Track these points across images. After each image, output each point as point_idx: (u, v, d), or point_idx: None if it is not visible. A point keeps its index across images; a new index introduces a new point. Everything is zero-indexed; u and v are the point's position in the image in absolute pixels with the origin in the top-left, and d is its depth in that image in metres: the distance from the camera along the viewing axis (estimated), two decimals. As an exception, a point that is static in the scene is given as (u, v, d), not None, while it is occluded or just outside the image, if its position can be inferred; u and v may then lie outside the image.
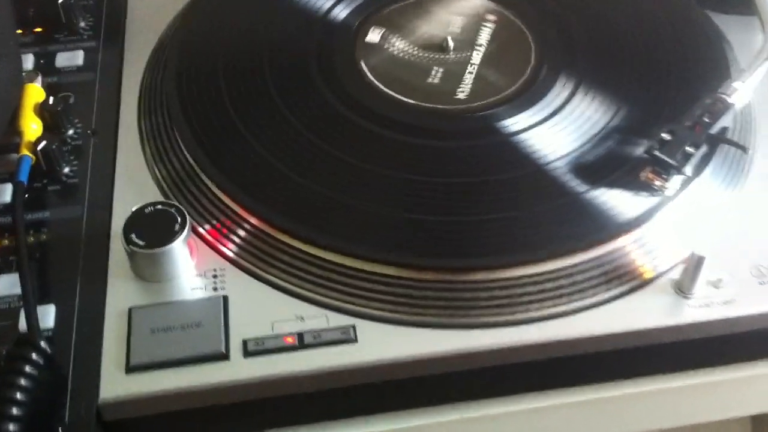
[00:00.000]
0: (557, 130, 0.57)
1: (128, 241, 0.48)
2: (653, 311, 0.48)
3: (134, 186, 0.55)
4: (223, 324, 0.47)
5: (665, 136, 0.51)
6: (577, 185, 0.53)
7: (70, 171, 0.56)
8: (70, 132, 0.58)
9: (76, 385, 0.45)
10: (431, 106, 0.59)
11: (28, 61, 0.62)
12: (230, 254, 0.51)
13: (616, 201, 0.52)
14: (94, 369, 0.46)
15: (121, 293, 0.49)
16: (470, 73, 0.61)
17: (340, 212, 0.52)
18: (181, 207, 0.50)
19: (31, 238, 0.52)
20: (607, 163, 0.54)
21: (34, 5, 0.65)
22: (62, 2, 0.65)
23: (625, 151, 0.54)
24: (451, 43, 0.63)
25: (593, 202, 0.52)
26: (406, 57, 0.63)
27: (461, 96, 0.60)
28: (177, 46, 0.63)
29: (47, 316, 0.48)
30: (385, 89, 0.60)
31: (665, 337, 0.49)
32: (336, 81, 0.61)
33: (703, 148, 0.53)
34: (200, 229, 0.52)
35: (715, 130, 0.53)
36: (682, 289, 0.48)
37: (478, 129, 0.58)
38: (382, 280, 0.49)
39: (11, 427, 0.42)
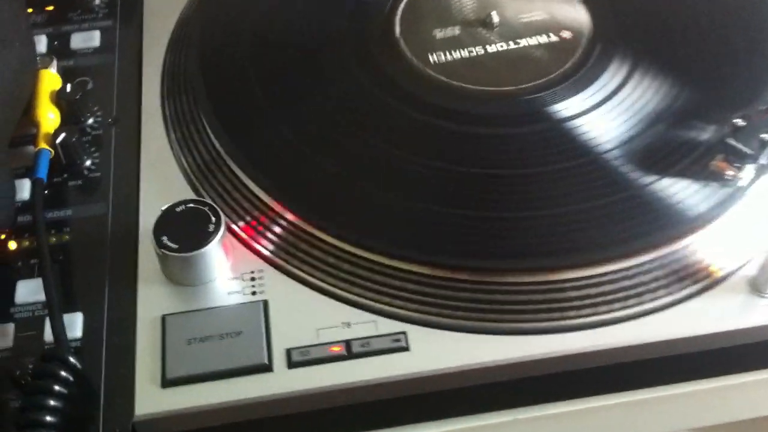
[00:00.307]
0: (613, 115, 0.52)
1: (160, 244, 0.45)
2: (727, 312, 0.45)
3: (160, 178, 0.51)
4: (264, 332, 0.44)
5: (738, 121, 0.47)
6: (638, 177, 0.49)
7: (92, 164, 0.52)
8: (90, 121, 0.54)
9: (108, 401, 0.42)
10: (474, 87, 0.55)
11: (41, 44, 0.58)
12: (268, 254, 0.48)
13: (684, 194, 0.48)
14: (128, 383, 0.43)
15: (153, 299, 0.46)
16: (516, 51, 0.57)
17: (384, 208, 0.48)
18: (214, 205, 0.46)
19: (53, 239, 0.49)
20: (671, 152, 0.50)
21: (42, -20, 0.61)
22: (73, -24, 0.60)
23: (691, 139, 0.50)
24: (495, 18, 0.58)
25: (658, 195, 0.48)
26: (447, 33, 0.58)
27: (505, 77, 0.55)
28: (200, 22, 0.59)
29: (74, 325, 0.45)
30: (426, 69, 0.56)
31: (739, 339, 0.45)
32: (372, 60, 0.56)
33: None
34: (234, 227, 0.49)
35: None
36: (758, 287, 0.45)
37: (525, 114, 0.53)
38: (434, 283, 0.45)
39: (42, 452, 0.39)
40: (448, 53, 0.57)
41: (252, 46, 0.57)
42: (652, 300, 0.45)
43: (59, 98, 0.53)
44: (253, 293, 0.46)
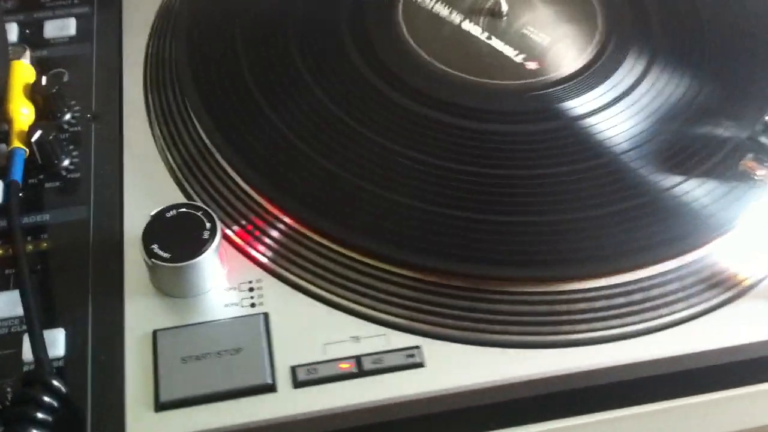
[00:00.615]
0: (630, 113, 0.49)
1: (150, 253, 0.41)
2: (757, 323, 0.42)
3: (146, 178, 0.48)
4: (266, 348, 0.40)
5: (770, 119, 0.45)
6: (658, 180, 0.46)
7: (71, 164, 0.48)
8: (67, 117, 0.50)
9: (96, 428, 0.38)
10: (480, 80, 0.52)
11: (12, 32, 0.54)
12: (267, 262, 0.44)
13: (708, 198, 0.45)
14: (117, 407, 0.39)
15: (142, 313, 0.42)
16: (526, 44, 0.54)
17: (390, 211, 0.44)
18: (209, 210, 0.43)
19: (30, 247, 0.44)
20: (693, 153, 0.47)
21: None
22: (45, -41, 0.56)
23: (715, 138, 0.47)
24: (504, 7, 0.55)
25: (680, 200, 0.45)
26: (453, 22, 0.55)
27: (515, 72, 0.52)
28: (187, 8, 0.55)
29: (56, 342, 0.41)
30: (430, 59, 0.52)
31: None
32: (372, 50, 0.53)
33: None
34: (228, 231, 0.45)
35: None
36: (790, 295, 0.42)
37: (535, 111, 0.50)
38: (450, 293, 0.42)
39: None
40: (453, 43, 0.53)
41: (243, 34, 0.53)
42: (680, 310, 0.42)
43: (34, 92, 0.49)
44: (252, 305, 0.42)
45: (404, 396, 0.39)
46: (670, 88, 0.50)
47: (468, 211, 0.45)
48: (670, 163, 0.47)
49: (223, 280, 0.43)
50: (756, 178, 0.45)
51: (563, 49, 0.53)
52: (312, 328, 0.42)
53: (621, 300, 0.43)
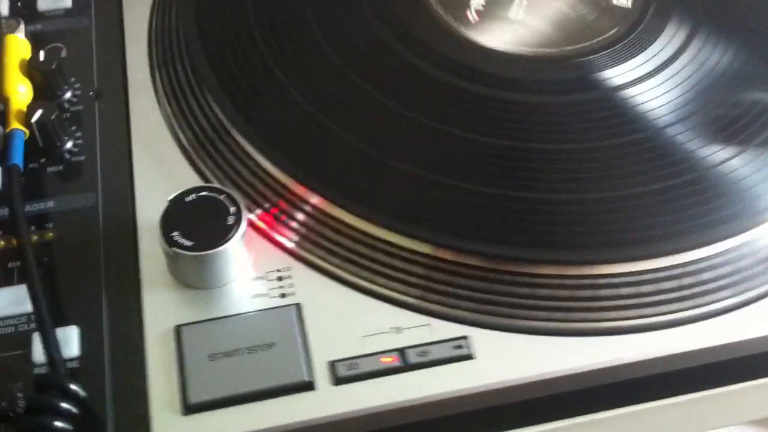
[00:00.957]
0: (673, 83, 0.46)
1: (170, 241, 0.37)
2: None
3: (156, 160, 0.44)
4: (301, 342, 0.37)
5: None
6: (704, 157, 0.43)
7: (74, 146, 0.44)
8: (68, 95, 0.46)
9: (119, 434, 0.35)
10: (511, 49, 0.48)
11: (3, 5, 0.50)
12: (294, 248, 0.40)
13: (761, 174, 0.42)
14: (142, 411, 0.35)
15: (162, 306, 0.38)
16: (560, 9, 0.50)
17: (431, 192, 0.41)
18: (231, 193, 0.39)
19: (34, 237, 0.41)
20: (743, 127, 0.44)
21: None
22: None
23: (766, 111, 0.44)
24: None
25: (728, 178, 0.42)
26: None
27: (549, 38, 0.49)
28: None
29: (69, 341, 0.37)
30: (457, 27, 0.49)
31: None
32: (394, 15, 0.49)
33: None
34: (250, 215, 0.41)
35: None
36: None
37: (570, 81, 0.47)
38: (498, 278, 0.39)
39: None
40: (482, 7, 0.50)
41: (256, 1, 0.49)
42: (744, 292, 0.39)
43: (31, 68, 0.44)
44: (282, 295, 0.39)
45: (456, 391, 0.36)
46: (715, 57, 0.47)
47: (506, 189, 0.42)
48: (717, 138, 0.44)
49: (249, 269, 0.40)
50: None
51: (598, 15, 0.50)
52: (349, 319, 0.38)
53: (670, 284, 0.40)
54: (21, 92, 0.44)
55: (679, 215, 0.41)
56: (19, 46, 0.45)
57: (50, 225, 0.41)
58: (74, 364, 0.37)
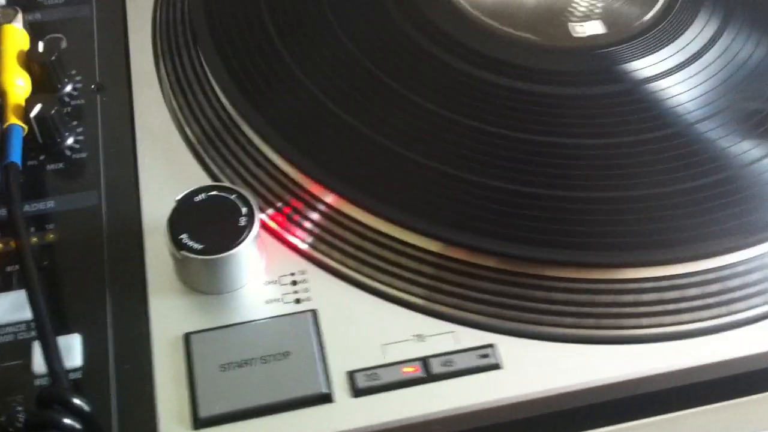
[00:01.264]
0: (703, 77, 0.44)
1: (179, 244, 0.35)
2: None
3: (162, 156, 0.42)
4: (318, 351, 0.35)
5: None
6: (738, 153, 0.41)
7: (75, 142, 0.42)
8: (68, 88, 0.44)
9: (126, 451, 0.33)
10: (533, 37, 0.46)
11: (0, -7, 0.47)
12: (309, 250, 0.38)
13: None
14: (149, 425, 0.33)
15: (170, 313, 0.36)
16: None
17: (453, 189, 0.39)
18: (243, 192, 0.37)
19: (34, 239, 0.38)
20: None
21: None
22: None
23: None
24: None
25: (765, 176, 0.40)
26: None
27: (574, 28, 0.47)
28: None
29: (71, 350, 0.35)
30: (476, 13, 0.47)
31: None
32: (414, 4, 0.47)
33: None
34: (261, 215, 0.39)
35: None
36: None
37: (596, 72, 0.45)
38: (525, 282, 0.37)
39: None
40: (503, -2, 0.48)
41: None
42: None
43: (30, 60, 0.42)
44: (297, 301, 0.37)
45: (483, 403, 0.34)
46: (749, 48, 0.45)
47: (528, 185, 0.40)
48: (750, 135, 0.42)
49: (261, 273, 0.37)
50: None
51: (626, 4, 0.48)
52: (368, 326, 0.36)
53: (709, 289, 0.37)
54: (19, 85, 0.41)
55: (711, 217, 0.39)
56: (16, 36, 0.43)
57: (51, 226, 0.39)
58: (77, 375, 0.34)
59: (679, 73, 0.45)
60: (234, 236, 0.35)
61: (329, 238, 0.38)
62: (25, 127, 0.40)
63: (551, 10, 0.48)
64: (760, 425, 0.43)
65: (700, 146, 0.41)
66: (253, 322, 0.36)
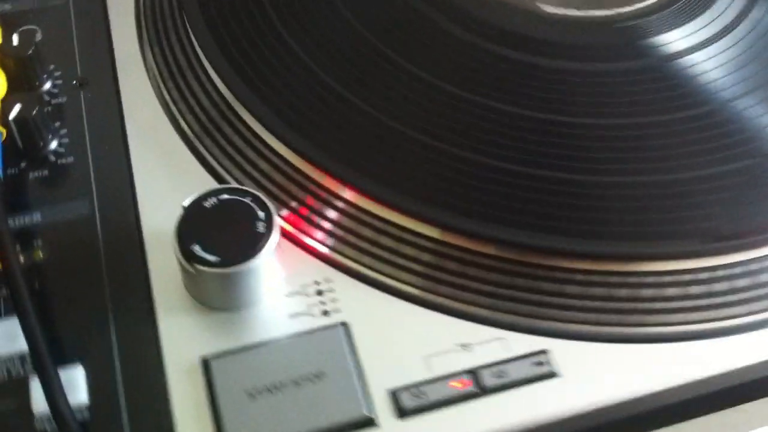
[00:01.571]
0: (735, 51, 0.41)
1: (190, 256, 0.31)
2: None
3: (158, 155, 0.38)
4: (355, 369, 0.31)
5: None
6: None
7: (59, 145, 0.37)
8: (47, 86, 0.39)
9: (147, 499, 0.29)
10: (553, 11, 0.43)
11: (-38, -17, 0.42)
12: (332, 254, 0.34)
13: None
14: (171, 467, 0.29)
15: (182, 334, 0.32)
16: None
17: (491, 182, 0.35)
18: (258, 194, 0.33)
19: (21, 258, 0.34)
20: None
21: None
22: None
23: None
24: None
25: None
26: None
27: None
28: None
29: (74, 384, 0.31)
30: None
31: None
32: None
33: None
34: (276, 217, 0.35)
35: None
36: None
37: (620, 46, 0.42)
38: (577, 279, 0.33)
39: None
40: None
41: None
42: None
43: (4, 55, 0.37)
44: (325, 313, 0.33)
45: (543, 417, 0.31)
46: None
47: (561, 171, 0.36)
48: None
49: (281, 283, 0.33)
50: None
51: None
52: (407, 337, 0.32)
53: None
54: (-7, 84, 0.37)
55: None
56: (-15, 29, 0.39)
57: (38, 242, 0.34)
58: (84, 415, 0.30)
59: (709, 47, 0.42)
60: (251, 244, 0.31)
61: (354, 239, 0.34)
62: (3, 131, 0.36)
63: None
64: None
65: (732, 127, 0.38)
66: (278, 341, 0.32)
